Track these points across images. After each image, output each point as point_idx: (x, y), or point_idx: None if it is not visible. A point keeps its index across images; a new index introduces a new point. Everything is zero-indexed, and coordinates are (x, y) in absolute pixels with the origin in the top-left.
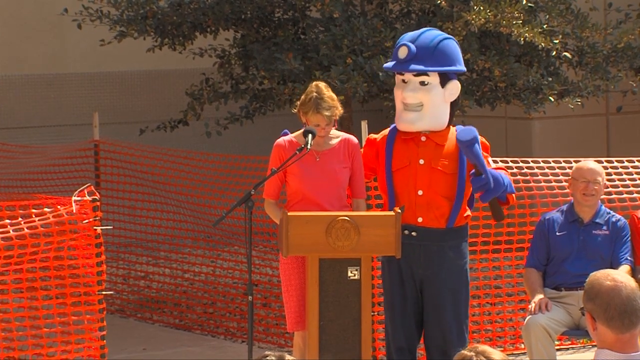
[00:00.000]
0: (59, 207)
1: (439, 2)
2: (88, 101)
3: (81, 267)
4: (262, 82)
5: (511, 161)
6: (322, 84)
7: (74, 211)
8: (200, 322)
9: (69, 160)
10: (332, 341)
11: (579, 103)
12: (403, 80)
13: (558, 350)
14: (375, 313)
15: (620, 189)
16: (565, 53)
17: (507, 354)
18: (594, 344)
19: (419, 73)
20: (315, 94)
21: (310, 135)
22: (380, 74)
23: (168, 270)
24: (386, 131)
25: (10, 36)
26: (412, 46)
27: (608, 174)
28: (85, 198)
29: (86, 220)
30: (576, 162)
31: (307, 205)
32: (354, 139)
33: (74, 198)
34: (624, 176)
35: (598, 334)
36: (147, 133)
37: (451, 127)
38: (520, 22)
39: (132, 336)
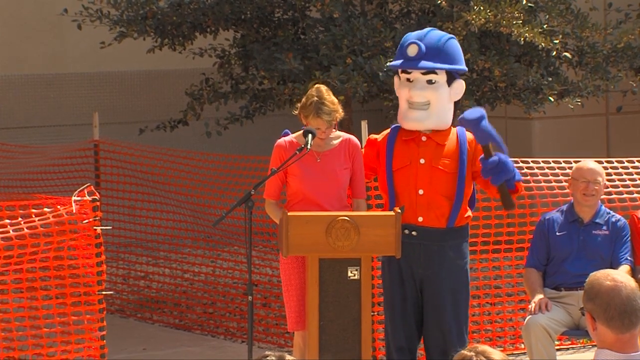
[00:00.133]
0: (58, 207)
1: (439, 2)
2: (88, 101)
3: (81, 267)
4: (262, 82)
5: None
6: (323, 87)
7: (74, 211)
8: (200, 322)
9: (69, 160)
10: (332, 341)
11: (579, 103)
12: (408, 79)
13: (558, 350)
14: (375, 313)
15: (620, 189)
16: (565, 53)
17: (507, 354)
18: (593, 344)
19: (428, 71)
20: (316, 98)
21: (310, 135)
22: (380, 74)
23: (168, 270)
24: (387, 131)
25: (10, 36)
26: (422, 44)
27: (608, 174)
28: (85, 198)
29: (86, 220)
30: (576, 162)
31: (307, 205)
32: (355, 140)
33: (73, 198)
34: (624, 176)
35: (598, 334)
36: (147, 133)
37: (452, 127)
38: (520, 22)
39: (132, 336)
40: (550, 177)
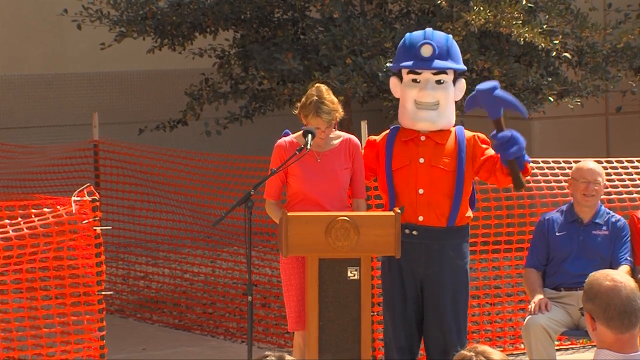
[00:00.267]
0: (58, 207)
1: (438, 2)
2: (87, 101)
3: (81, 267)
4: (261, 83)
5: None
6: (323, 87)
7: (74, 211)
8: (200, 322)
9: (69, 160)
10: (331, 341)
11: (579, 103)
12: (415, 80)
13: (558, 350)
14: (375, 313)
15: (620, 189)
16: (565, 53)
17: (507, 354)
18: (593, 344)
19: (439, 71)
20: (315, 97)
21: (310, 136)
22: (380, 74)
23: (167, 271)
24: (386, 132)
25: (10, 36)
26: (435, 45)
27: (608, 174)
28: (84, 198)
29: (86, 221)
30: (576, 162)
31: (308, 205)
32: (355, 140)
33: (73, 198)
34: (624, 176)
35: (597, 334)
36: (147, 133)
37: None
38: (520, 22)
39: (131, 336)
40: (550, 177)
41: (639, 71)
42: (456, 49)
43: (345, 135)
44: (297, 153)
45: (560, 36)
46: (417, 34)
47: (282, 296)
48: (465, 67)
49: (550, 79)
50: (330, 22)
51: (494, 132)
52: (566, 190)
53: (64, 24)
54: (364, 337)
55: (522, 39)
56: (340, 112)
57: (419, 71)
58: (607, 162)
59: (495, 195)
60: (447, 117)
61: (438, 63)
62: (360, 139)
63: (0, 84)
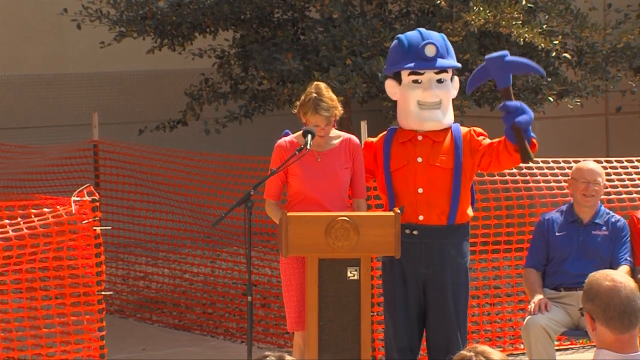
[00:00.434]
0: (58, 207)
1: (438, 2)
2: (87, 101)
3: (80, 268)
4: (261, 83)
5: None
6: (322, 84)
7: (73, 211)
8: (200, 322)
9: (68, 160)
10: (331, 341)
11: (578, 103)
12: (416, 81)
13: (557, 350)
14: (375, 313)
15: (620, 189)
16: (565, 53)
17: (507, 354)
18: (593, 344)
19: (440, 70)
20: (314, 94)
21: (309, 136)
22: (380, 74)
23: (167, 271)
24: (383, 133)
25: (10, 36)
26: (437, 44)
27: (607, 174)
28: (84, 198)
29: (85, 221)
30: (575, 162)
31: (309, 205)
32: (355, 139)
33: (73, 198)
34: (624, 176)
35: (597, 334)
36: (146, 133)
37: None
38: (520, 22)
39: (131, 336)
40: (550, 178)
41: (639, 71)
42: (451, 47)
43: (345, 135)
44: (297, 153)
45: (560, 36)
46: (413, 34)
47: (282, 296)
48: (460, 65)
49: (550, 79)
50: (330, 22)
51: (503, 102)
52: (566, 191)
53: (64, 24)
54: (363, 337)
55: (521, 39)
56: (339, 110)
57: (422, 71)
58: (607, 162)
59: (495, 196)
60: (450, 115)
61: (441, 62)
62: (360, 139)
63: (0, 84)
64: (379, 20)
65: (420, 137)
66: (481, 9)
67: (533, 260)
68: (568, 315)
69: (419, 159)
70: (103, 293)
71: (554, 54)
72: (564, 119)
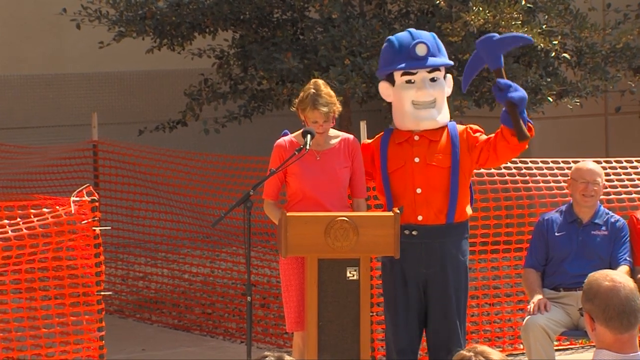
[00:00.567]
0: (57, 207)
1: (437, 2)
2: (87, 101)
3: (80, 268)
4: (260, 83)
5: (510, 162)
6: (320, 81)
7: (73, 212)
8: (199, 322)
9: (68, 160)
10: (330, 341)
11: (578, 103)
12: (409, 81)
13: (557, 350)
14: (374, 313)
15: (619, 189)
16: (564, 53)
17: (506, 354)
18: (592, 344)
19: (433, 69)
20: (312, 90)
21: (309, 136)
22: None
23: (167, 271)
24: (379, 135)
25: (9, 36)
26: (428, 43)
27: (607, 174)
28: (83, 198)
29: (85, 221)
30: (575, 162)
31: (308, 204)
32: (355, 139)
33: (72, 198)
34: (623, 177)
35: (597, 335)
36: (146, 133)
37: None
38: (519, 22)
39: (130, 337)
40: (549, 178)
41: (638, 71)
42: (442, 45)
43: (344, 134)
44: (297, 153)
45: (560, 36)
46: (403, 35)
47: (281, 296)
48: (452, 62)
49: (549, 80)
50: (329, 22)
51: (495, 84)
52: (565, 191)
53: (64, 24)
54: (363, 338)
55: None
56: (337, 106)
57: (414, 71)
58: (606, 162)
59: (495, 196)
60: (445, 113)
61: (433, 60)
62: (359, 139)
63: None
64: (379, 21)
65: (416, 137)
66: (480, 9)
67: (532, 261)
68: (567, 315)
69: (416, 159)
70: (102, 293)
71: (553, 54)
72: (563, 119)
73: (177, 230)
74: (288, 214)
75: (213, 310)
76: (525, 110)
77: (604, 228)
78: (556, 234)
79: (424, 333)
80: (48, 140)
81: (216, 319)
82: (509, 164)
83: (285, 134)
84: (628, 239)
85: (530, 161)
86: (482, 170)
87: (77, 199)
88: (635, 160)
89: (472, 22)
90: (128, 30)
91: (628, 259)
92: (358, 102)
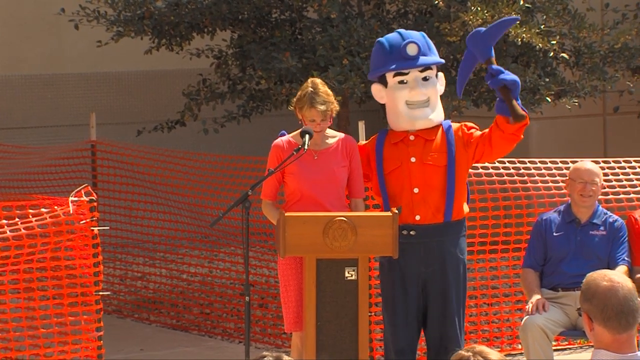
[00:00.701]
0: (56, 207)
1: (436, 2)
2: (85, 101)
3: (78, 268)
4: (259, 82)
5: (508, 162)
6: (318, 80)
7: (71, 212)
8: (198, 322)
9: (66, 160)
10: (329, 341)
11: (576, 103)
12: (401, 82)
13: (555, 350)
14: (373, 313)
15: (617, 189)
16: (563, 54)
17: (504, 354)
18: (591, 344)
19: (425, 68)
20: (310, 89)
21: (307, 136)
22: None
23: (165, 271)
24: (374, 136)
25: (8, 36)
26: (419, 42)
27: (605, 174)
28: (82, 198)
29: (83, 221)
30: (573, 162)
31: (306, 203)
32: (352, 139)
33: (71, 198)
34: (621, 177)
35: (595, 335)
36: (144, 134)
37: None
38: (518, 22)
39: (129, 337)
40: (547, 178)
41: (637, 71)
42: (432, 43)
43: (341, 134)
44: (295, 153)
45: (558, 36)
46: (393, 36)
47: (280, 296)
48: (443, 60)
49: (547, 80)
50: (328, 22)
51: (487, 73)
52: (563, 191)
53: (62, 24)
54: (361, 338)
55: (519, 40)
56: (335, 105)
57: (406, 71)
58: (605, 162)
59: (493, 196)
60: (439, 112)
61: (425, 59)
62: (357, 139)
63: None
64: (377, 21)
65: (412, 137)
66: (479, 9)
67: (531, 261)
68: (566, 315)
69: (413, 159)
70: (101, 293)
71: (551, 54)
72: (561, 119)
73: (175, 230)
74: (286, 214)
75: (211, 310)
76: (518, 97)
77: (602, 228)
78: (554, 234)
79: (422, 333)
80: (47, 140)
81: (214, 319)
82: (507, 164)
83: (283, 134)
84: (626, 239)
85: (529, 161)
86: (480, 170)
87: (76, 199)
88: (634, 161)
89: (470, 22)
90: (126, 30)
91: (626, 259)
92: (356, 102)
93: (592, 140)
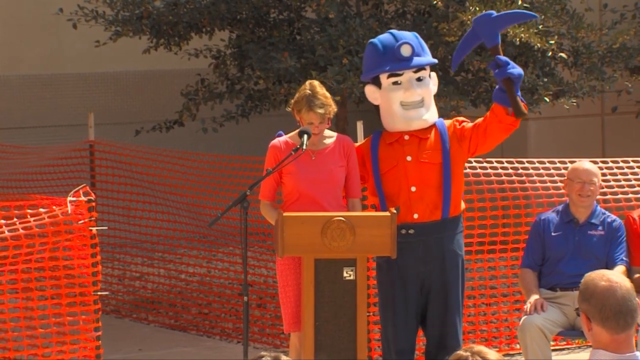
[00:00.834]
0: (54, 207)
1: (434, 2)
2: (83, 101)
3: (76, 268)
4: (257, 82)
5: (506, 162)
6: (315, 82)
7: (69, 212)
8: (196, 322)
9: (65, 160)
10: (327, 341)
11: (574, 103)
12: (395, 83)
13: (553, 350)
14: (371, 313)
15: (616, 189)
16: (561, 53)
17: (503, 354)
18: (589, 344)
19: (419, 69)
20: (308, 91)
21: (305, 136)
22: None
23: (163, 271)
24: (368, 138)
25: (7, 36)
26: (412, 43)
27: (603, 174)
28: (80, 198)
29: (81, 221)
30: (571, 162)
31: (304, 203)
32: (349, 139)
33: (69, 198)
34: (619, 177)
35: (593, 335)
36: (143, 134)
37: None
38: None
39: (127, 337)
40: (546, 178)
41: (635, 71)
42: (424, 43)
43: (338, 135)
44: (293, 153)
45: (556, 36)
46: (386, 37)
47: (278, 296)
48: (436, 60)
49: (546, 80)
50: (326, 22)
51: (493, 61)
52: (562, 191)
53: (61, 24)
54: (359, 338)
55: (518, 39)
56: (333, 107)
57: (400, 72)
58: (603, 162)
59: (491, 196)
60: (433, 111)
61: (418, 60)
62: (356, 139)
63: None
64: (375, 21)
65: (406, 137)
66: (477, 8)
67: (529, 260)
68: (564, 315)
69: (409, 158)
70: (99, 293)
71: (550, 54)
72: (560, 119)
73: (173, 230)
74: (285, 214)
75: (210, 310)
76: (519, 90)
77: (600, 228)
78: (553, 234)
79: (421, 331)
80: (45, 140)
81: (213, 319)
82: (506, 164)
83: (280, 135)
84: (624, 239)
85: (527, 161)
86: (479, 171)
87: (74, 199)
88: (632, 160)
89: (468, 22)
90: (124, 30)
91: (624, 259)
92: (355, 102)
93: (591, 140)
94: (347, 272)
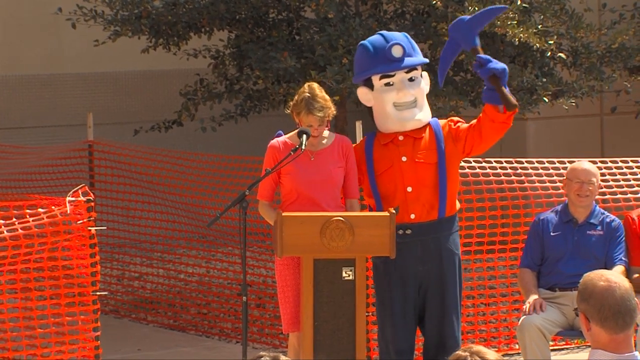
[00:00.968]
0: (53, 207)
1: (433, 2)
2: (82, 101)
3: (75, 268)
4: (256, 82)
5: (505, 162)
6: (315, 84)
7: (68, 212)
8: (195, 322)
9: (64, 160)
10: (326, 341)
11: (573, 103)
12: (388, 84)
13: (552, 350)
14: (370, 313)
15: (615, 189)
16: (560, 54)
17: (502, 354)
18: (588, 344)
19: (410, 69)
20: (307, 94)
21: (304, 136)
22: None
23: (162, 271)
24: (362, 140)
25: (6, 36)
26: (403, 44)
27: (602, 174)
28: (79, 198)
29: (80, 221)
30: (570, 162)
31: (303, 203)
32: (347, 139)
33: (68, 198)
34: (618, 177)
35: (592, 335)
36: (141, 133)
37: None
38: (515, 22)
39: (126, 337)
40: (545, 178)
41: (634, 71)
42: (415, 44)
43: (337, 135)
44: (292, 153)
45: (555, 36)
46: (376, 39)
47: (277, 296)
48: (427, 60)
49: (545, 80)
50: (326, 22)
51: (475, 62)
52: (561, 191)
53: (60, 24)
54: (358, 338)
55: (517, 40)
56: (332, 110)
57: (392, 73)
58: (602, 162)
59: (490, 196)
60: (427, 111)
61: (410, 60)
62: (355, 140)
63: None
64: (375, 21)
65: (401, 137)
66: (476, 8)
67: (528, 260)
68: (563, 315)
69: (404, 158)
70: (98, 293)
71: (549, 54)
72: (559, 120)
73: (172, 230)
74: (284, 214)
75: (209, 310)
76: (507, 85)
77: (599, 228)
78: (552, 233)
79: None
80: (44, 140)
81: (212, 319)
82: (505, 164)
83: (279, 135)
84: (623, 239)
85: (526, 161)
86: (478, 170)
87: (73, 199)
88: (631, 161)
89: None
90: (123, 30)
91: (623, 259)
92: (354, 102)
93: (590, 141)
94: (346, 272)
